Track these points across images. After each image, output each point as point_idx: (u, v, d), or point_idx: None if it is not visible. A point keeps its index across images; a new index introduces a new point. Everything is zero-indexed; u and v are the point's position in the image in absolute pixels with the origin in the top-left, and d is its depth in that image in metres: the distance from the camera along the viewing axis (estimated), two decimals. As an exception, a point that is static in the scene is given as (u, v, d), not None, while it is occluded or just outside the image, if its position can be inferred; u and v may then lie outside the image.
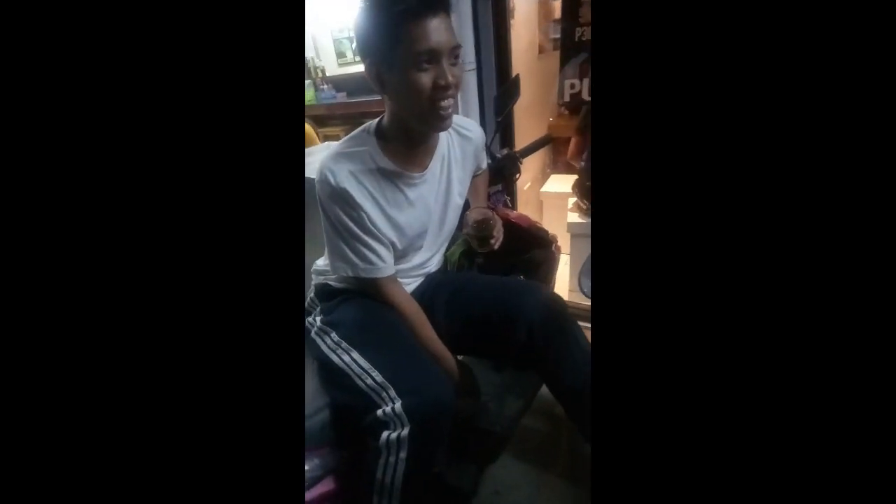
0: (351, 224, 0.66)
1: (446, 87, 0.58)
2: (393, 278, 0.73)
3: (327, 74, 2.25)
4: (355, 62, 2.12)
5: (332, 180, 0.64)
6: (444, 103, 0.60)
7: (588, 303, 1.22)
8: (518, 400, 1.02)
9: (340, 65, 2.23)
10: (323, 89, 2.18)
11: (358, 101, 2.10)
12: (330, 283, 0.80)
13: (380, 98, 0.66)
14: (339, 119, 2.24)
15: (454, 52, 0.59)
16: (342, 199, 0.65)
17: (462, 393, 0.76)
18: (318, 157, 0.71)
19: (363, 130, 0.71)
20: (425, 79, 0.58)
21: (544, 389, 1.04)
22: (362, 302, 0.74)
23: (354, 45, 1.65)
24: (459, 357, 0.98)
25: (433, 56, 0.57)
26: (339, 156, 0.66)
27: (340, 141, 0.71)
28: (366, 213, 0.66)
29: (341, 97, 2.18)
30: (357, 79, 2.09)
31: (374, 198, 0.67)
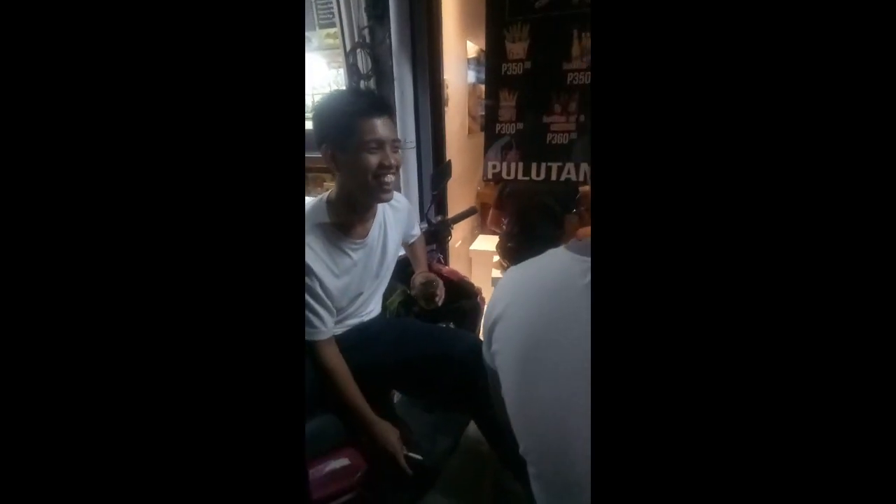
0: (308, 297, 0.77)
1: (388, 167, 0.76)
2: (330, 340, 0.82)
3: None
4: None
5: None
6: (386, 179, 0.77)
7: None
8: (447, 438, 1.12)
9: None
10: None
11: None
12: None
13: (316, 155, 0.80)
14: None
15: (394, 143, 0.77)
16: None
17: (408, 445, 0.85)
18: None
19: (316, 204, 0.84)
20: (373, 160, 0.75)
21: (470, 431, 1.16)
22: None
23: (311, 126, 1.81)
24: (396, 396, 1.07)
25: (379, 144, 0.75)
26: None
27: None
28: (318, 278, 0.78)
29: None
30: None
31: (325, 263, 0.79)
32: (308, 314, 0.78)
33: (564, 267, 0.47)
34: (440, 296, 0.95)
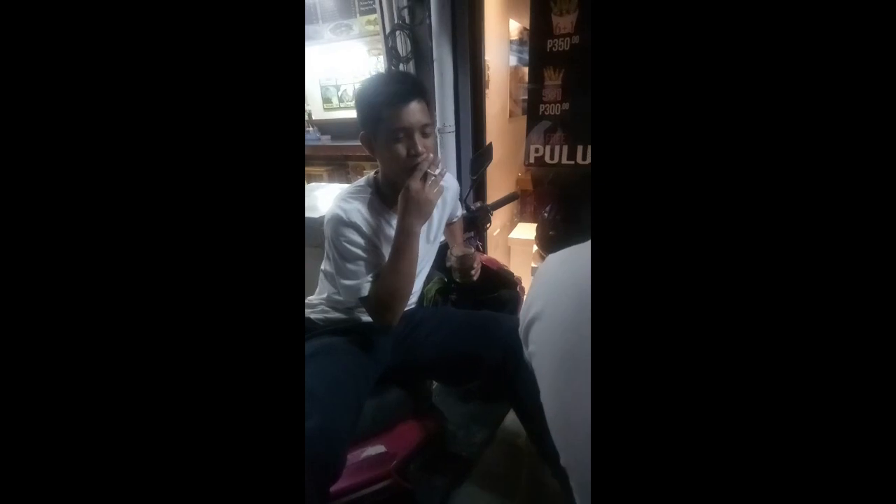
0: (359, 251, 0.78)
1: (416, 155, 0.74)
2: None
3: (313, 118, 2.38)
4: (339, 107, 2.26)
5: (343, 217, 0.77)
6: (419, 164, 0.74)
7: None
8: (483, 429, 1.10)
9: (326, 109, 2.36)
10: (308, 131, 2.31)
11: (340, 145, 2.23)
12: (311, 317, 0.90)
13: (358, 144, 0.80)
14: (322, 160, 2.36)
15: (424, 128, 0.74)
16: (354, 229, 0.77)
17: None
18: (309, 196, 0.82)
19: (364, 181, 0.85)
20: (401, 148, 0.73)
21: (508, 423, 1.13)
22: (329, 345, 0.83)
23: (340, 93, 1.79)
24: (434, 385, 1.06)
25: (407, 132, 0.73)
26: (346, 200, 0.80)
27: (344, 189, 0.84)
28: (371, 242, 0.79)
29: (325, 139, 2.30)
30: (340, 123, 2.21)
31: (376, 234, 0.80)
32: (370, 270, 0.78)
33: None
34: (477, 269, 0.92)
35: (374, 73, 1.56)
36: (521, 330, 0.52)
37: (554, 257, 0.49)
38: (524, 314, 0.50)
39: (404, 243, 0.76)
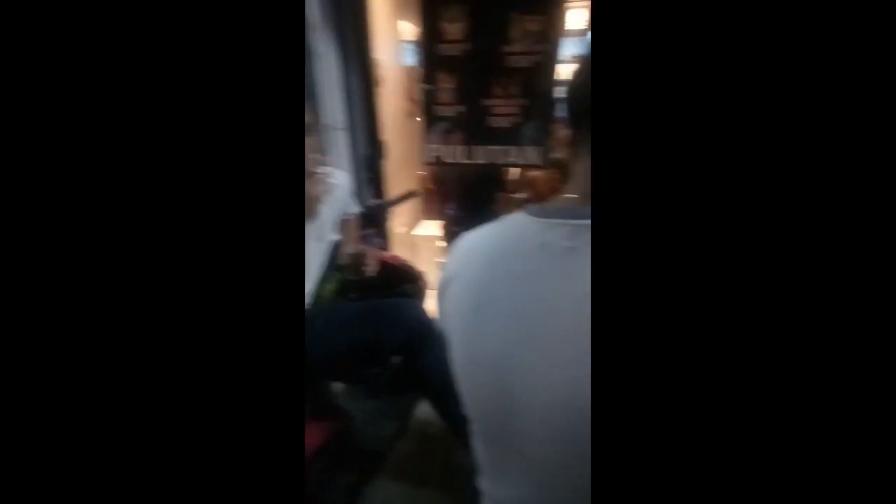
0: None
1: None
2: None
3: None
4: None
5: None
6: None
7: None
8: (393, 421, 1.12)
9: None
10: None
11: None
12: None
13: None
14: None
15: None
16: None
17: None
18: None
19: None
20: None
21: (421, 413, 1.16)
22: None
23: None
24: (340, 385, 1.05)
25: None
26: None
27: None
28: None
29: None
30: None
31: None
32: None
33: (520, 228, 0.46)
34: (370, 264, 0.93)
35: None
36: (437, 295, 0.55)
37: (469, 232, 0.53)
38: (441, 280, 0.53)
39: None
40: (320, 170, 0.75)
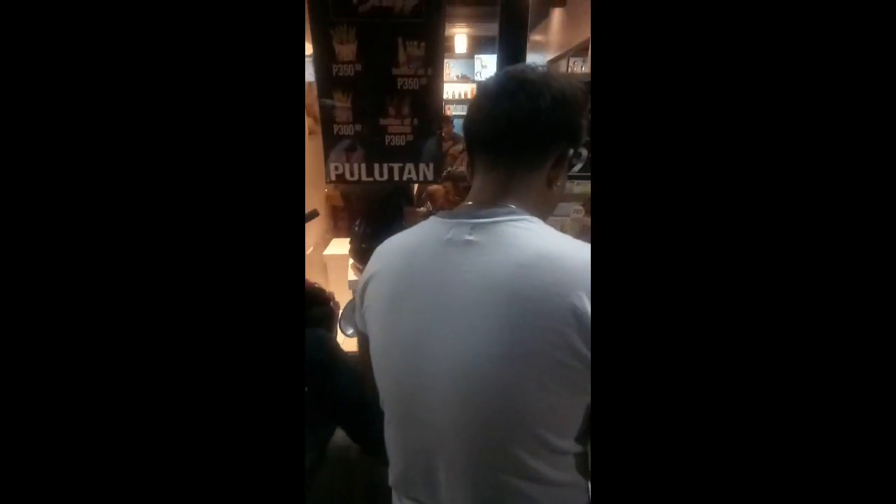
0: None
1: None
2: None
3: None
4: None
5: None
6: None
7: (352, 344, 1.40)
8: (310, 452, 1.07)
9: None
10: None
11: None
12: None
13: None
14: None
15: None
16: None
17: None
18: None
19: None
20: None
21: (337, 440, 1.13)
22: None
23: None
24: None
25: None
26: None
27: None
28: None
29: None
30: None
31: None
32: None
33: (431, 229, 0.54)
34: None
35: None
36: (357, 295, 0.60)
37: (385, 242, 0.60)
38: (362, 280, 0.59)
39: None
40: None
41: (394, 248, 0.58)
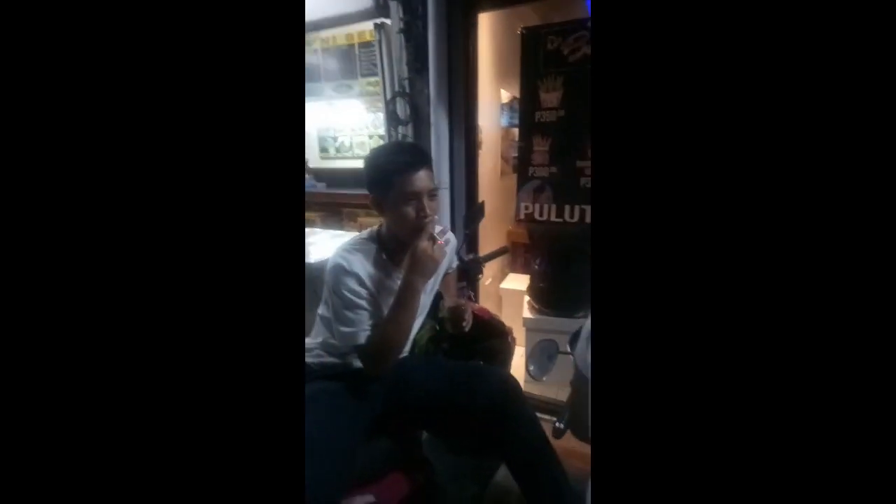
0: (360, 300, 0.82)
1: (425, 216, 0.82)
2: None
3: (310, 166, 2.49)
4: (336, 157, 2.37)
5: (346, 266, 0.82)
6: (426, 224, 0.83)
7: (537, 388, 1.35)
8: (473, 484, 1.08)
9: (322, 158, 2.47)
10: (305, 178, 2.41)
11: (335, 192, 2.33)
12: (307, 360, 0.92)
13: (351, 192, 0.89)
14: (316, 206, 2.44)
15: (432, 192, 0.84)
16: (355, 279, 0.82)
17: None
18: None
19: (367, 235, 0.92)
20: (411, 210, 0.82)
21: (499, 479, 1.11)
22: (323, 390, 0.86)
23: (338, 143, 1.92)
24: (425, 435, 1.06)
25: (416, 195, 0.81)
26: (350, 251, 0.86)
27: (348, 240, 0.91)
28: (371, 292, 0.84)
29: (321, 187, 2.40)
30: (336, 172, 2.32)
31: (376, 286, 0.85)
32: (368, 320, 0.83)
33: None
34: (468, 321, 0.96)
35: (370, 128, 1.68)
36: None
37: None
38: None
39: (407, 298, 0.82)
40: (443, 236, 0.84)
41: None
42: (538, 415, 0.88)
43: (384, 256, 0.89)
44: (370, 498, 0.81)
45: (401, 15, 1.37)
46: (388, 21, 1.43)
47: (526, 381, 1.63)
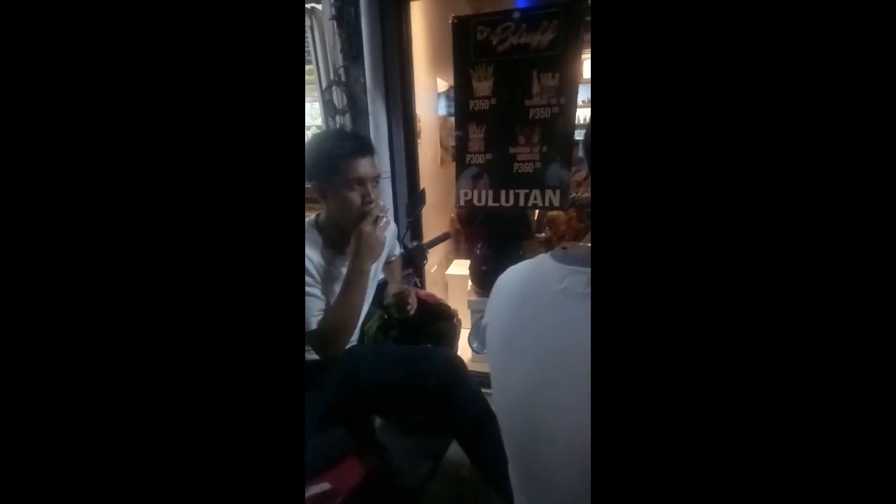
0: (306, 287, 0.82)
1: (370, 202, 0.84)
2: None
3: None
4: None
5: None
6: (369, 210, 0.85)
7: (481, 365, 1.43)
8: (427, 461, 1.13)
9: None
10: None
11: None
12: None
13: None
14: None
15: (375, 179, 0.86)
16: None
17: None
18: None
19: (307, 223, 0.92)
20: (355, 196, 0.83)
21: (451, 454, 1.17)
22: None
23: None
24: (378, 421, 1.09)
25: (361, 181, 0.83)
26: None
27: None
28: (315, 280, 0.85)
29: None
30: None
31: (319, 272, 0.86)
32: (313, 304, 0.84)
33: (545, 271, 0.51)
34: (412, 304, 1.00)
35: (309, 119, 1.63)
36: (475, 334, 0.60)
37: (507, 272, 0.59)
38: (483, 321, 0.59)
39: (356, 279, 0.83)
40: (385, 215, 0.86)
41: (508, 291, 0.56)
42: (483, 390, 0.94)
43: (325, 244, 0.90)
44: (325, 486, 0.82)
45: (332, 0, 1.34)
46: (318, 6, 1.39)
47: (472, 360, 1.71)
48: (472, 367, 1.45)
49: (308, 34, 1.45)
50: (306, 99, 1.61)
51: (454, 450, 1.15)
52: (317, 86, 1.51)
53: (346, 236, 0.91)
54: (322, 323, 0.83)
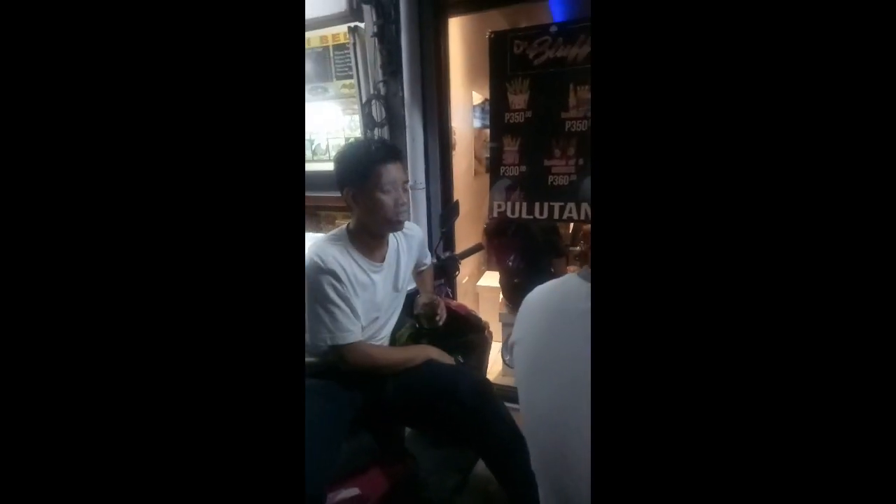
0: (336, 297, 0.85)
1: (402, 204, 0.88)
2: (363, 341, 0.91)
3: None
4: (312, 160, 2.36)
5: (321, 264, 0.85)
6: (401, 214, 0.89)
7: (511, 379, 1.40)
8: (455, 474, 1.12)
9: None
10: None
11: (312, 195, 2.31)
12: None
13: (329, 195, 0.98)
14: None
15: (405, 184, 0.90)
16: (331, 275, 0.84)
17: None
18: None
19: (337, 232, 0.95)
20: (388, 199, 0.86)
21: (479, 469, 1.15)
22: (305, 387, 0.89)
23: (314, 147, 1.94)
24: (407, 430, 1.09)
25: (393, 186, 0.86)
26: (322, 248, 0.88)
27: (319, 238, 0.93)
28: (347, 290, 0.87)
29: (299, 192, 2.37)
30: (312, 175, 2.31)
31: (350, 280, 0.88)
32: (342, 319, 0.86)
33: (572, 290, 0.52)
34: (441, 315, 1.01)
35: (346, 130, 1.69)
36: (507, 347, 0.62)
37: (535, 291, 0.59)
38: (511, 339, 0.60)
39: (413, 358, 0.91)
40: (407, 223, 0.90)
41: (536, 309, 0.56)
42: (510, 405, 0.93)
43: (357, 251, 0.92)
44: (355, 490, 0.83)
45: (374, 19, 1.39)
46: (361, 25, 1.45)
47: (502, 374, 1.68)
48: (503, 380, 1.43)
49: (350, 51, 1.51)
50: (346, 112, 1.67)
51: (483, 465, 1.13)
52: (357, 99, 1.56)
53: (377, 242, 0.94)
54: (358, 354, 0.87)
